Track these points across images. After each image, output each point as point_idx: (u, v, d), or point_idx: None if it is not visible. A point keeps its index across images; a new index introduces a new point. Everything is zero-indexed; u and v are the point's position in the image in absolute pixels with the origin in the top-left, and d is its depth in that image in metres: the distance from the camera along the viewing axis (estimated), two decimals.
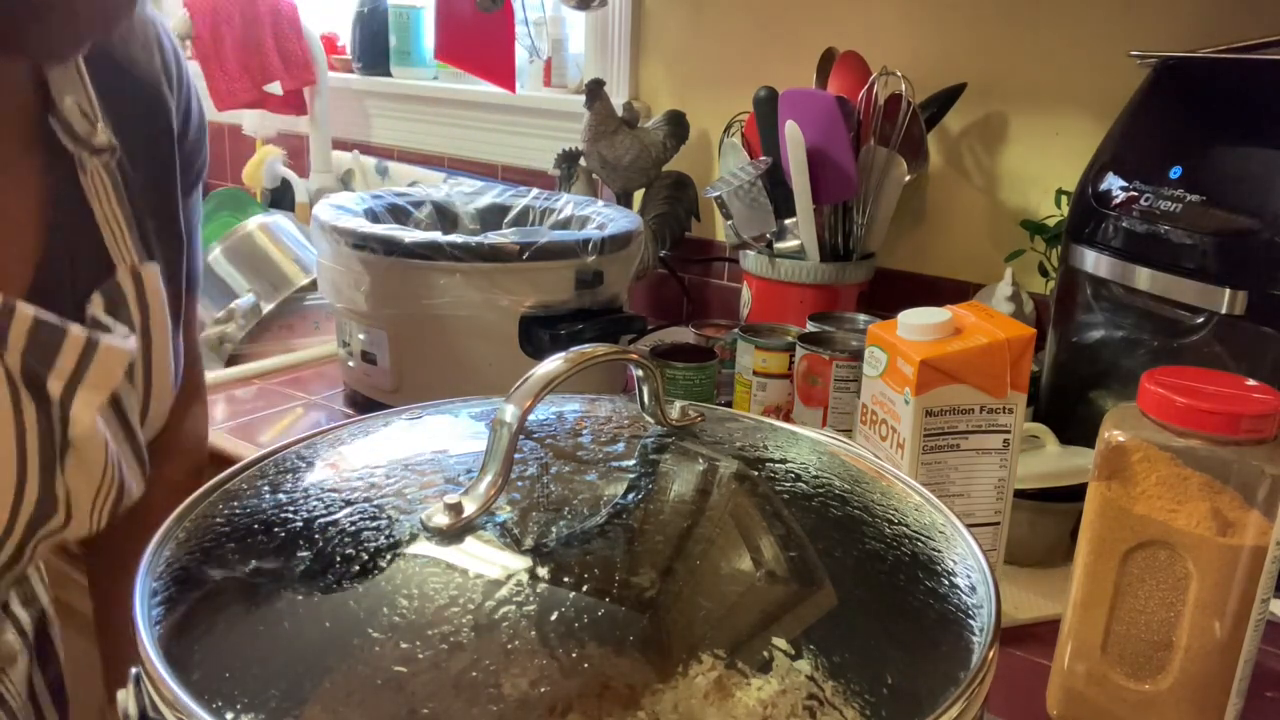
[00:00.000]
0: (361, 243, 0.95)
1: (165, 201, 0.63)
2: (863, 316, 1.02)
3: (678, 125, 1.36)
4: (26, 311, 0.51)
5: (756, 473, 0.43)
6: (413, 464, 0.41)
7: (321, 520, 0.37)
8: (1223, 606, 0.54)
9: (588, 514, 0.37)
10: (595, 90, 1.32)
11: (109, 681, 0.74)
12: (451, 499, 0.36)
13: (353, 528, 0.36)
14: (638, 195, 1.38)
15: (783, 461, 0.44)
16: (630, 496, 0.39)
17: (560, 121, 1.53)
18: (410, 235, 0.95)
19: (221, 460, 0.94)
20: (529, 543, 0.35)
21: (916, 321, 0.64)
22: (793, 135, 1.07)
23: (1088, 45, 1.09)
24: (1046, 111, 1.14)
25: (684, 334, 1.22)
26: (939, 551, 0.38)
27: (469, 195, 1.23)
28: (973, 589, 0.36)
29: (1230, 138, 0.78)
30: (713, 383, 1.00)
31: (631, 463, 0.42)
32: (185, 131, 0.65)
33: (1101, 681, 0.58)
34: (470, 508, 0.36)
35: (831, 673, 0.30)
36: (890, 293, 1.19)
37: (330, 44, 1.89)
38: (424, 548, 0.35)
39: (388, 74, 1.78)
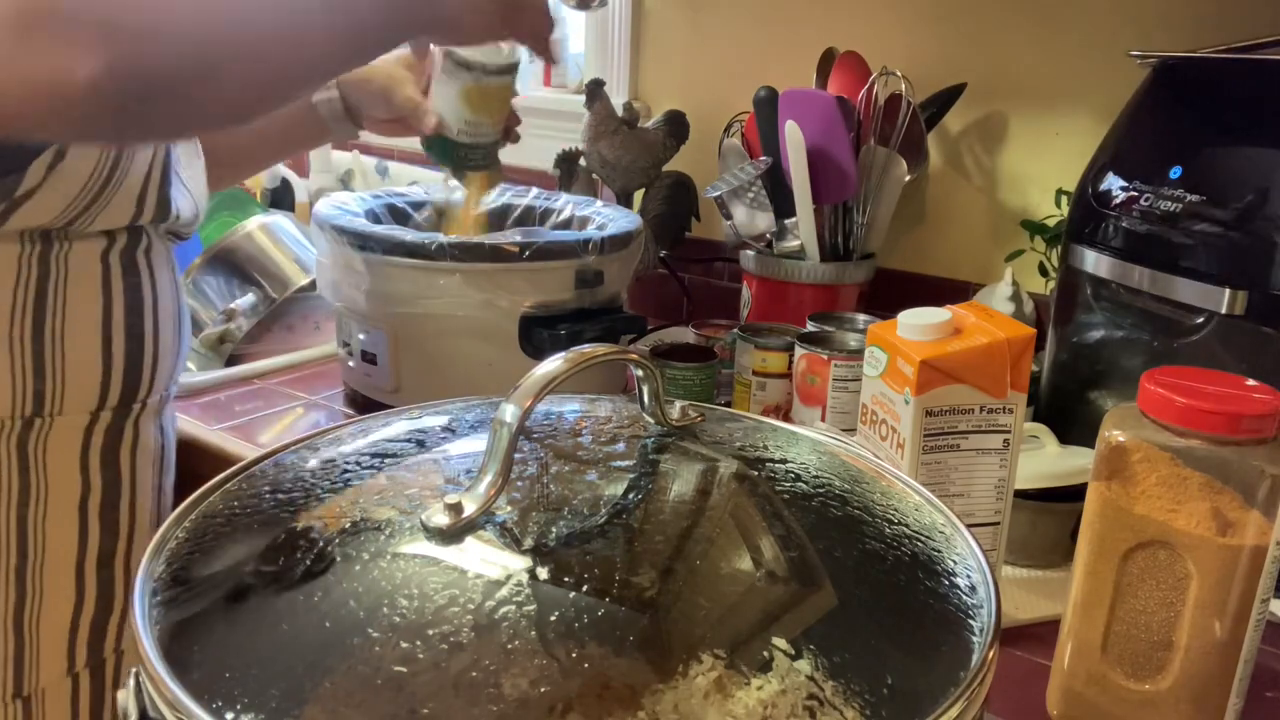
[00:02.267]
0: (362, 243, 0.95)
1: None
2: (863, 316, 1.02)
3: (678, 125, 1.36)
4: None
5: (756, 473, 0.43)
6: (413, 464, 0.41)
7: (321, 520, 0.37)
8: (1223, 606, 0.54)
9: (588, 514, 0.37)
10: (595, 90, 1.32)
11: None
12: (451, 499, 0.36)
13: (353, 528, 0.36)
14: (638, 195, 1.38)
15: (783, 461, 0.44)
16: (630, 496, 0.39)
17: (560, 121, 1.53)
18: (410, 235, 0.95)
19: (222, 460, 0.94)
20: (529, 543, 0.35)
21: (916, 321, 0.64)
22: (793, 135, 1.07)
23: (1088, 45, 1.09)
24: (1046, 111, 1.14)
25: (684, 334, 1.22)
26: (939, 551, 0.38)
27: None
28: (973, 589, 0.36)
29: (1230, 138, 0.78)
30: (713, 383, 1.00)
31: (631, 463, 0.42)
32: None
33: (1101, 681, 0.58)
34: (470, 508, 0.36)
35: (831, 673, 0.30)
36: (890, 293, 1.19)
37: None
38: (424, 548, 0.35)
39: None
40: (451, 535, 0.35)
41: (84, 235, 0.70)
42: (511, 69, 0.97)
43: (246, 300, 1.31)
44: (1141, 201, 0.79)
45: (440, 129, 0.98)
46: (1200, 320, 0.75)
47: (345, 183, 1.75)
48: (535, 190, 1.25)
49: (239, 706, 0.28)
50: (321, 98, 0.98)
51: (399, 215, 1.15)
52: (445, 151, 1.01)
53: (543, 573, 0.33)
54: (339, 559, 0.34)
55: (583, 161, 1.38)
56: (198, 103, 0.54)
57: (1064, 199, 1.09)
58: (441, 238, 0.95)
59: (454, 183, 1.17)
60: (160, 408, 0.79)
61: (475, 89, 0.96)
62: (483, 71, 0.95)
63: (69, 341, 0.70)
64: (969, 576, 0.37)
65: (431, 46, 0.95)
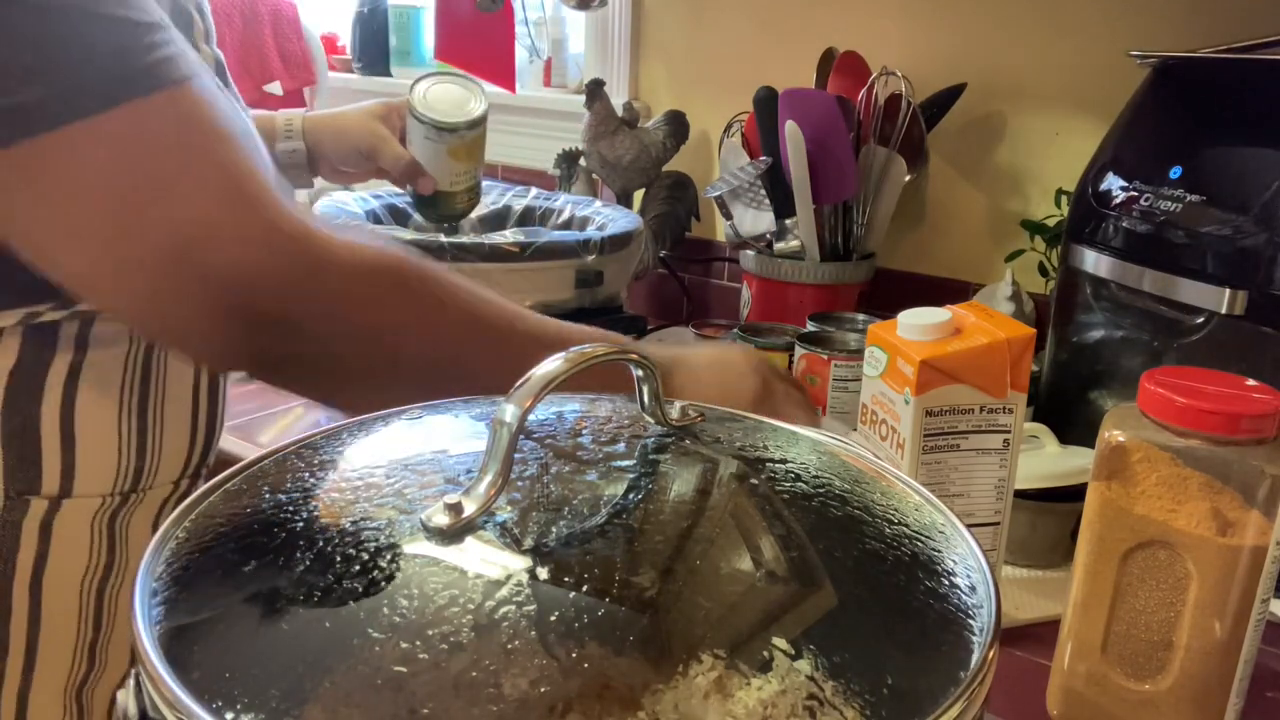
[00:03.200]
0: None
1: None
2: (862, 316, 1.02)
3: (678, 125, 1.36)
4: None
5: (757, 473, 0.43)
6: (413, 464, 0.41)
7: (321, 520, 0.37)
8: (1223, 606, 0.54)
9: (588, 514, 0.37)
10: (595, 90, 1.32)
11: None
12: (451, 499, 0.36)
13: (353, 528, 0.36)
14: (638, 195, 1.38)
15: (783, 461, 0.44)
16: (630, 496, 0.39)
17: (560, 121, 1.53)
18: (410, 235, 0.95)
19: (221, 460, 0.94)
20: (529, 543, 0.35)
21: (916, 321, 0.64)
22: (793, 135, 1.07)
23: (1088, 45, 1.09)
24: (1046, 111, 1.14)
25: (684, 334, 1.22)
26: (939, 551, 0.38)
27: None
28: (973, 589, 0.36)
29: (1230, 138, 0.78)
30: None
31: (631, 463, 0.42)
32: None
33: (1101, 681, 0.58)
34: (470, 508, 0.36)
35: (831, 673, 0.30)
36: (890, 293, 1.19)
37: (330, 44, 1.89)
38: (424, 548, 0.35)
39: (388, 74, 1.78)
40: (451, 535, 0.35)
41: None
42: (485, 118, 1.01)
43: None
44: (1141, 201, 0.79)
45: (436, 187, 1.02)
46: (1200, 320, 0.75)
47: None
48: (535, 190, 1.25)
49: (239, 706, 0.28)
50: (285, 148, 0.96)
51: (399, 215, 1.15)
52: (438, 203, 1.04)
53: (543, 573, 0.33)
54: (339, 559, 0.34)
55: (583, 161, 1.38)
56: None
57: (1064, 199, 1.09)
58: (442, 238, 0.95)
59: None
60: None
61: (460, 145, 1.00)
62: (465, 129, 0.99)
63: (168, 414, 0.69)
64: (969, 576, 0.37)
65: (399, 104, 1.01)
